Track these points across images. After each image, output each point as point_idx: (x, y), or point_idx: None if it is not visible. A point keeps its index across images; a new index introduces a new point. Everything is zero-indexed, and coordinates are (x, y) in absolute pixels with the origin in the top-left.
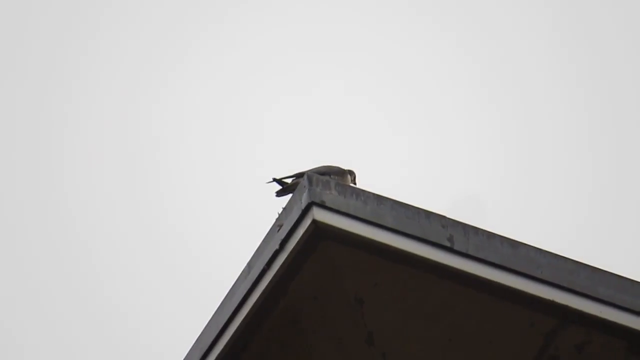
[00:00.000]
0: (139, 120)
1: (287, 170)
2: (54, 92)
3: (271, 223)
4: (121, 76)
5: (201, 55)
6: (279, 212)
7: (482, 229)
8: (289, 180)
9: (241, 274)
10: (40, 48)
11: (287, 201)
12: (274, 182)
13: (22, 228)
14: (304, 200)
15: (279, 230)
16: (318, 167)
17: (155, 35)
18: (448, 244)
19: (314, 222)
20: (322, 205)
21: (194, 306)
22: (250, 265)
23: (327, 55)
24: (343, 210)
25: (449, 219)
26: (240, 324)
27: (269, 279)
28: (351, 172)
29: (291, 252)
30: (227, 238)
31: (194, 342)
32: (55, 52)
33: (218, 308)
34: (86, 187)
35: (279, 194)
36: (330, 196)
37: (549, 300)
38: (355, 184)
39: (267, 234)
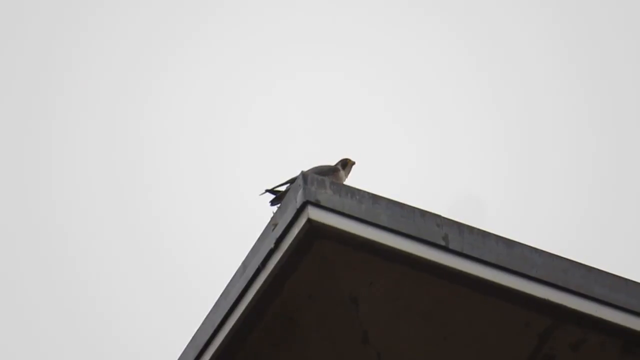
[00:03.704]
0: (129, 120)
1: (283, 170)
2: (42, 90)
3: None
4: (110, 76)
5: (195, 52)
6: (274, 211)
7: (477, 228)
8: (282, 188)
9: (236, 273)
10: (30, 45)
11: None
12: (267, 193)
13: (4, 228)
14: (299, 199)
15: (273, 229)
16: (310, 169)
17: (147, 32)
18: (443, 243)
19: (309, 221)
20: (317, 204)
21: (188, 309)
22: (245, 264)
23: (329, 54)
24: (338, 209)
25: (444, 218)
26: (236, 323)
27: (264, 278)
28: (345, 162)
29: (286, 251)
30: (223, 242)
31: (188, 341)
32: (45, 50)
33: (213, 307)
34: (74, 188)
35: (274, 202)
36: (325, 195)
37: (544, 300)
38: (350, 169)
39: (262, 232)
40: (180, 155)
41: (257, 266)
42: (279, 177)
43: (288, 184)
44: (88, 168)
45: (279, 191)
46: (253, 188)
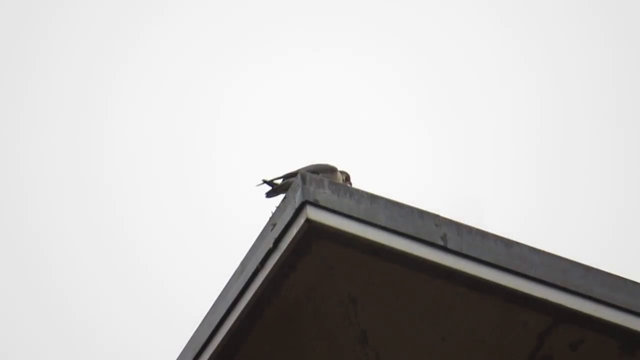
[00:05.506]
0: (106, 118)
1: (278, 168)
2: (8, 86)
3: (262, 224)
4: (75, 72)
5: (177, 33)
6: (272, 211)
7: (475, 228)
8: (279, 181)
9: (234, 273)
10: None
11: (277, 202)
12: (264, 184)
13: None
14: (298, 199)
15: (272, 229)
16: (308, 166)
17: (119, 15)
18: (442, 243)
19: (308, 221)
20: (316, 204)
21: (171, 314)
22: (243, 264)
23: (327, 53)
24: (337, 209)
25: (442, 217)
26: (234, 323)
27: (263, 278)
28: (343, 172)
29: (285, 251)
30: (218, 240)
31: (187, 342)
32: (9, 44)
33: (211, 307)
34: (48, 190)
35: (269, 194)
36: (324, 195)
37: (542, 299)
38: (350, 184)
39: (261, 232)
40: (166, 155)
41: (255, 266)
42: (274, 173)
43: (285, 179)
44: (63, 169)
45: (275, 184)
46: (243, 188)
